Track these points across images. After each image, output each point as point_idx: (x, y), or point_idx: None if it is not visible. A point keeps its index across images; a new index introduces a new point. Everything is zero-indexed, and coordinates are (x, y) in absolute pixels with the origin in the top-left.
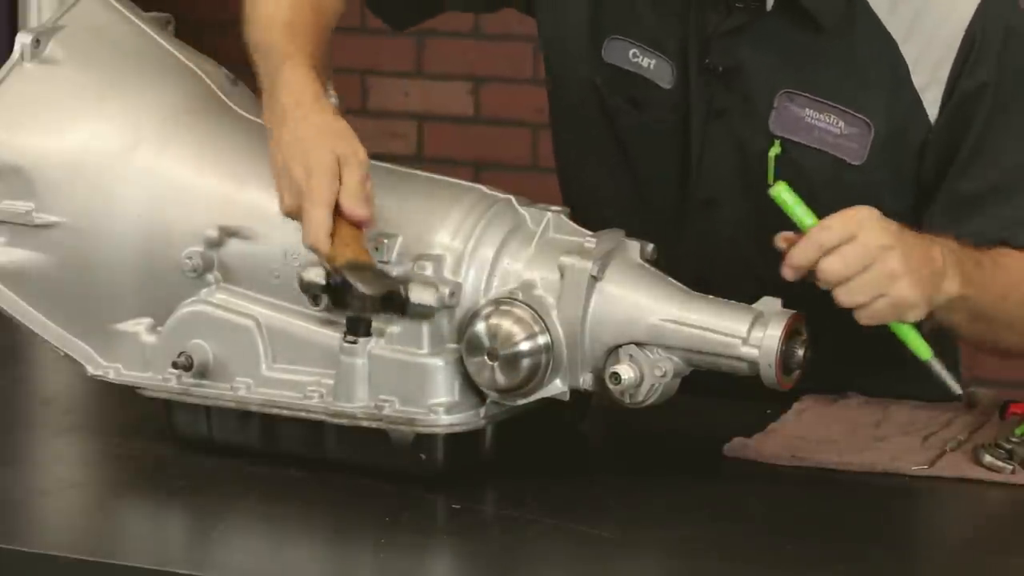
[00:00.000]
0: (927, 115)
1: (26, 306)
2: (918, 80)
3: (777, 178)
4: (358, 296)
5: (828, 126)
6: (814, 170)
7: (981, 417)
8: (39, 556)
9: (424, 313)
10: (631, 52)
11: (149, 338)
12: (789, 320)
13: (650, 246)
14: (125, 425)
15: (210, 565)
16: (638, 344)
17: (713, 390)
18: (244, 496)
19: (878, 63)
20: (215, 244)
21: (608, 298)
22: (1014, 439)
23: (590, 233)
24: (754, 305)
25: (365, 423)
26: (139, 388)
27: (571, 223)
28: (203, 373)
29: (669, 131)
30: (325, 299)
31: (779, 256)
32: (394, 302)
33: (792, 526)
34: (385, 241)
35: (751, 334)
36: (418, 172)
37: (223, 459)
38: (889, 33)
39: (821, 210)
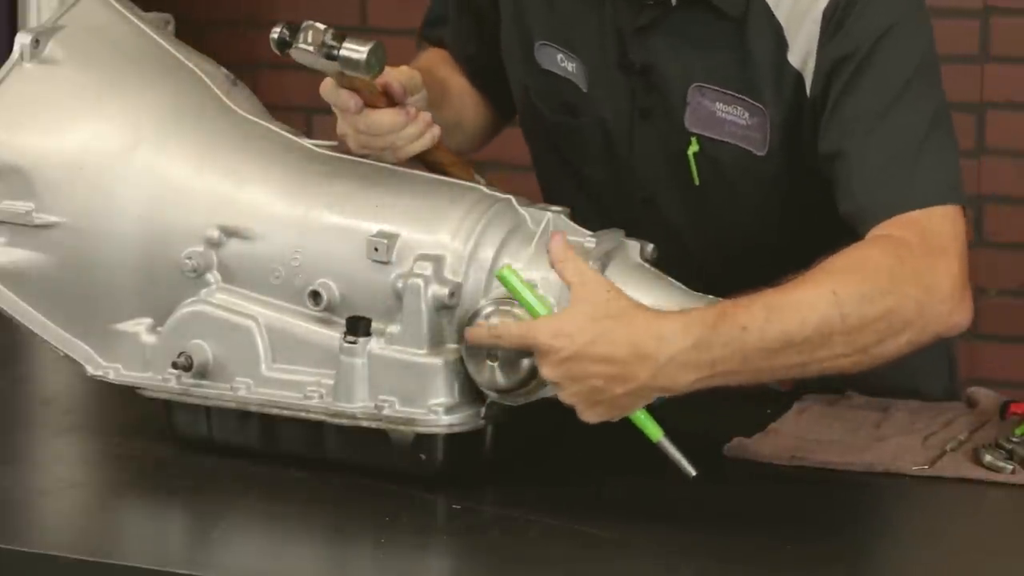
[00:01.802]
0: (807, 93)
1: (26, 306)
2: (796, 58)
3: (700, 175)
4: (305, 29)
5: (735, 118)
6: (729, 165)
7: (981, 417)
8: (39, 556)
9: (352, 67)
10: (558, 57)
11: (149, 338)
12: None
13: (650, 246)
14: (125, 425)
15: (210, 565)
16: None
17: (713, 390)
18: (244, 496)
19: (766, 48)
20: (215, 244)
21: None
22: (1014, 439)
23: (590, 233)
24: None
25: (365, 423)
26: (139, 388)
27: (571, 223)
28: (203, 373)
29: (595, 133)
30: (325, 298)
31: (720, 251)
32: (331, 54)
33: (792, 526)
34: (385, 241)
35: None
36: (418, 172)
37: (223, 459)
38: (776, 16)
39: (744, 204)
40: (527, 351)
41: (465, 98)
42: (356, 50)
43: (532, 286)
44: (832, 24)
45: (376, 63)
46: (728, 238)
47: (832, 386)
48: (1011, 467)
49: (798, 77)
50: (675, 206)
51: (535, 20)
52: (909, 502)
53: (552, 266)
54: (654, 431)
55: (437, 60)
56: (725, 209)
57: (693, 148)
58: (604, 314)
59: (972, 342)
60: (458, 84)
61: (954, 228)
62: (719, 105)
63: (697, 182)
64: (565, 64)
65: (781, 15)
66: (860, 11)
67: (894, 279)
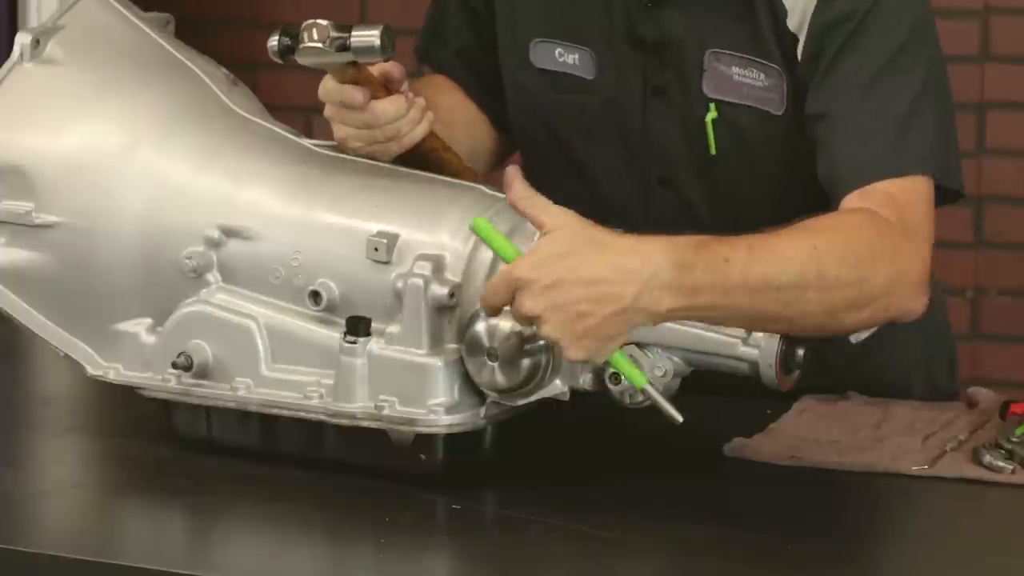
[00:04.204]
0: (799, 57)
1: (26, 306)
2: (793, 23)
3: (717, 143)
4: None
5: (752, 81)
6: (747, 128)
7: (981, 417)
8: (39, 556)
9: (367, 53)
10: (556, 52)
11: (149, 338)
12: None
13: None
14: (125, 425)
15: (210, 565)
16: (638, 344)
17: (713, 390)
18: (244, 496)
19: (768, 12)
20: (215, 244)
21: None
22: (1014, 439)
23: None
24: None
25: (365, 423)
26: (139, 388)
27: None
28: (203, 373)
29: (606, 118)
30: (325, 298)
31: (737, 231)
32: (344, 45)
33: (792, 526)
34: (385, 241)
35: (751, 334)
36: (419, 172)
37: (223, 459)
38: None
39: (761, 172)
40: (522, 318)
41: (456, 112)
42: (368, 35)
43: (505, 237)
44: None
45: (389, 44)
46: (745, 216)
47: (832, 386)
48: (1011, 467)
49: (794, 40)
50: (691, 182)
51: (528, 19)
52: (909, 502)
53: (512, 205)
54: (639, 377)
55: (430, 84)
56: (741, 182)
57: (711, 115)
58: (583, 241)
59: (972, 342)
60: (451, 104)
61: (926, 206)
62: (735, 69)
63: (714, 151)
64: (565, 58)
65: None
66: None
67: (872, 252)
